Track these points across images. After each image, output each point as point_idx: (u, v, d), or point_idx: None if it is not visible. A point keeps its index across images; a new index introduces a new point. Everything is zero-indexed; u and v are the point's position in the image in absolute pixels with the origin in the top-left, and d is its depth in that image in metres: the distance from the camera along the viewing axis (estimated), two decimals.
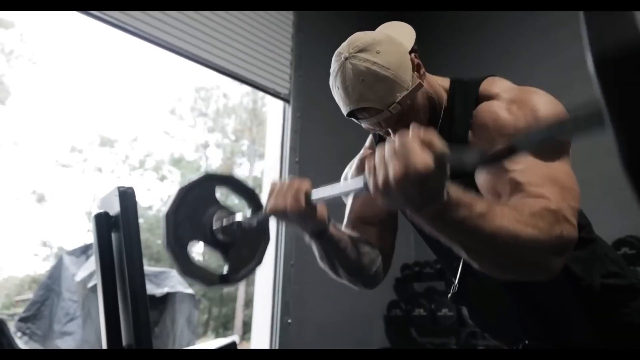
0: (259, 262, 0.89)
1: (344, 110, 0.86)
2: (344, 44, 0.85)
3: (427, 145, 0.54)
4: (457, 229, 0.59)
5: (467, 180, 0.86)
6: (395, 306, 2.99)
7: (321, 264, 0.94)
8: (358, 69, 0.80)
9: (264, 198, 0.85)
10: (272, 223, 0.86)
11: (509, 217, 0.60)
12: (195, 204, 0.82)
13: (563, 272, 0.68)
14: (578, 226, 0.69)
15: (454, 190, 0.58)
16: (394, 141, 0.56)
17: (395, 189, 0.53)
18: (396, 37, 0.85)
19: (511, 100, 0.81)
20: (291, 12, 3.08)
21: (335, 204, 1.17)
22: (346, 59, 0.82)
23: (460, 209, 0.58)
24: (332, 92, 0.88)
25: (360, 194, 1.01)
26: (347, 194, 0.68)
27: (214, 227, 0.80)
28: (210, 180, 0.85)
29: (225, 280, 0.82)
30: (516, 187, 0.71)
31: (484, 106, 0.84)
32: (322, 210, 0.81)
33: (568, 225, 0.65)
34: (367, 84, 0.80)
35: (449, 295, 0.90)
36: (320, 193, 0.74)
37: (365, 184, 0.58)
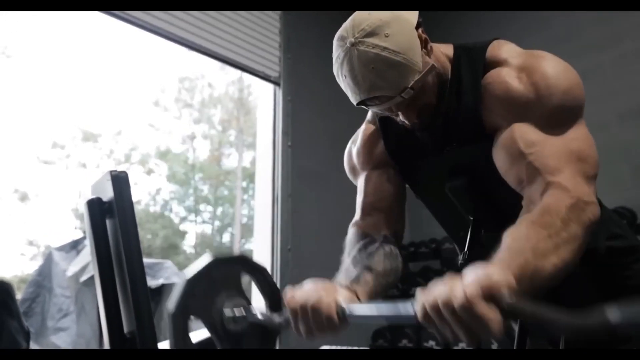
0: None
1: (354, 100, 0.81)
2: (346, 27, 0.79)
3: (493, 300, 0.49)
4: (532, 289, 0.59)
5: (474, 147, 0.85)
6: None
7: None
8: (367, 56, 0.74)
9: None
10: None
11: (551, 246, 0.63)
12: (203, 295, 0.73)
13: None
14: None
15: (506, 281, 0.53)
16: (449, 294, 0.51)
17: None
18: (401, 12, 0.79)
19: (521, 68, 0.79)
20: None
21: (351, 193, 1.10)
22: (352, 44, 0.76)
23: (522, 284, 0.56)
24: (338, 80, 0.82)
25: None
26: (391, 318, 0.63)
27: (226, 315, 0.72)
28: (219, 265, 0.76)
29: None
30: (534, 175, 0.72)
31: (494, 75, 0.81)
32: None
33: (590, 207, 0.69)
34: (378, 71, 0.75)
35: (459, 263, 0.89)
36: (357, 310, 0.65)
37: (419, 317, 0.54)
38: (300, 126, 2.92)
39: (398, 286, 2.99)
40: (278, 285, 2.91)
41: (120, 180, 0.88)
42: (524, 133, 0.76)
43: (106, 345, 0.88)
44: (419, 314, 0.54)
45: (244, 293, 0.78)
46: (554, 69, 0.77)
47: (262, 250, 2.75)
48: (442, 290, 0.52)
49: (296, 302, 0.69)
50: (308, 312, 0.67)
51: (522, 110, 0.77)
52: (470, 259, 0.88)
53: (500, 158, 0.79)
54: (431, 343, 2.70)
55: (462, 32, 3.18)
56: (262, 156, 2.93)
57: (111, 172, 0.89)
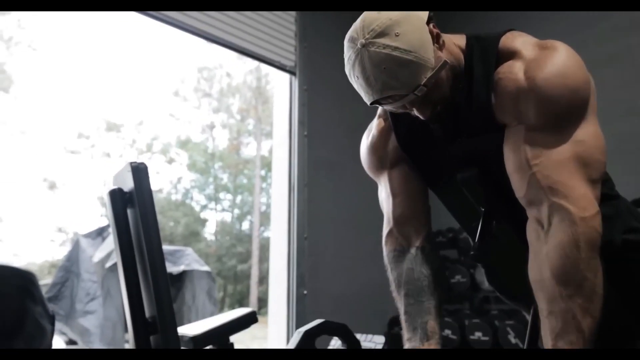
0: None
1: (367, 100, 0.82)
2: (356, 27, 0.79)
3: None
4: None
5: (485, 139, 0.85)
6: None
7: None
8: (379, 56, 0.75)
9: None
10: None
11: (587, 306, 0.70)
12: None
13: None
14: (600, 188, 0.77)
15: None
16: None
17: None
18: (411, 11, 0.79)
19: (532, 61, 0.79)
20: None
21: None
22: (363, 45, 0.76)
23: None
24: (350, 81, 0.83)
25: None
26: None
27: None
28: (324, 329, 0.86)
29: None
30: (538, 195, 0.76)
31: (506, 69, 0.81)
32: None
33: (591, 219, 0.73)
34: (390, 71, 0.75)
35: (471, 253, 0.90)
36: None
37: None
38: (316, 115, 2.92)
39: None
40: (295, 273, 2.96)
41: (139, 172, 0.91)
42: (531, 140, 0.77)
43: (129, 328, 0.92)
44: None
45: None
46: (564, 65, 0.76)
47: (279, 238, 2.79)
48: None
49: None
50: None
51: (530, 109, 0.77)
52: (481, 250, 0.89)
53: (507, 158, 0.81)
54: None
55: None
56: (278, 145, 2.95)
57: (131, 163, 0.92)
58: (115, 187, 0.98)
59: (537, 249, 0.76)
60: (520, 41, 0.83)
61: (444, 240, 2.98)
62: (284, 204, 2.79)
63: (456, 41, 0.88)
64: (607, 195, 0.85)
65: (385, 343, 1.62)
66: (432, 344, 0.86)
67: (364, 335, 1.70)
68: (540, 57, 0.78)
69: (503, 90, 0.80)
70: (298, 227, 2.69)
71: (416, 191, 0.99)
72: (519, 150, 0.78)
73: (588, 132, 0.76)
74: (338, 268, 2.76)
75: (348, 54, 0.80)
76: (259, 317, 0.98)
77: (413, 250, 0.96)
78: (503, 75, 0.81)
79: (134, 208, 0.92)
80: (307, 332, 0.83)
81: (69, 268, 3.25)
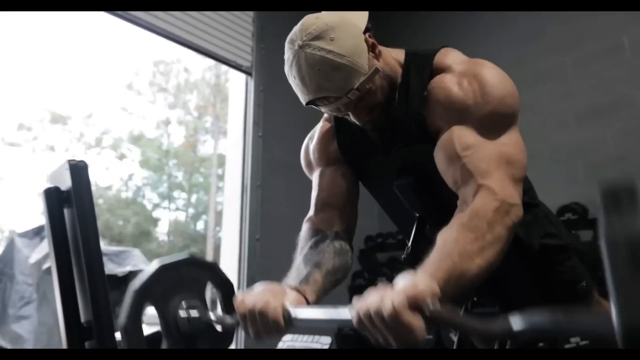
0: None
1: (303, 100, 0.85)
2: (295, 30, 0.83)
3: (417, 309, 0.55)
4: (458, 289, 0.65)
5: (419, 148, 0.90)
6: (359, 276, 3.08)
7: None
8: (313, 58, 0.78)
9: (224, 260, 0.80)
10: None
11: (477, 248, 0.68)
12: (166, 286, 0.76)
13: None
14: (522, 191, 0.79)
15: (430, 287, 0.59)
16: (380, 304, 0.57)
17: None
18: (349, 16, 0.83)
19: (462, 74, 0.85)
20: None
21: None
22: (300, 47, 0.79)
23: (449, 286, 0.63)
24: (289, 81, 0.86)
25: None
26: (331, 322, 0.67)
27: (180, 315, 0.75)
28: (191, 265, 0.80)
29: None
30: (467, 177, 0.78)
31: (437, 81, 0.87)
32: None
33: (514, 209, 0.75)
34: (324, 73, 0.78)
35: (403, 257, 0.94)
36: (301, 314, 0.69)
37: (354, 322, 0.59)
38: (272, 117, 2.92)
39: (365, 276, 3.06)
40: (245, 274, 2.93)
41: (78, 170, 0.88)
42: (461, 136, 0.81)
43: (62, 334, 0.89)
44: (354, 320, 0.59)
45: (204, 299, 0.80)
46: (492, 77, 0.82)
47: (230, 239, 2.76)
48: (374, 299, 0.58)
49: (245, 306, 0.72)
50: (256, 316, 0.71)
51: (460, 114, 0.82)
52: (415, 252, 0.94)
53: (439, 158, 0.85)
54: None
55: (428, 32, 3.24)
56: (233, 146, 2.92)
57: (69, 161, 0.89)
58: (51, 185, 0.94)
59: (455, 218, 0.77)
60: (452, 57, 0.89)
61: (394, 242, 3.08)
62: (236, 205, 2.76)
63: (395, 55, 0.93)
64: (528, 204, 0.93)
65: (332, 344, 1.65)
66: (307, 291, 0.80)
67: (311, 337, 1.73)
68: (470, 70, 0.84)
69: (435, 99, 0.86)
70: (250, 228, 2.68)
71: (344, 189, 1.01)
72: (449, 145, 0.82)
73: (512, 138, 0.82)
74: (289, 270, 2.77)
75: (287, 54, 0.83)
76: None
77: (329, 233, 0.95)
78: (435, 86, 0.86)
79: (71, 208, 0.89)
80: (194, 260, 0.79)
81: (2, 269, 3.03)
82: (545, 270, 0.95)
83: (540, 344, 1.01)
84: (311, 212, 1.02)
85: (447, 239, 0.70)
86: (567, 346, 1.54)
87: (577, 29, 2.67)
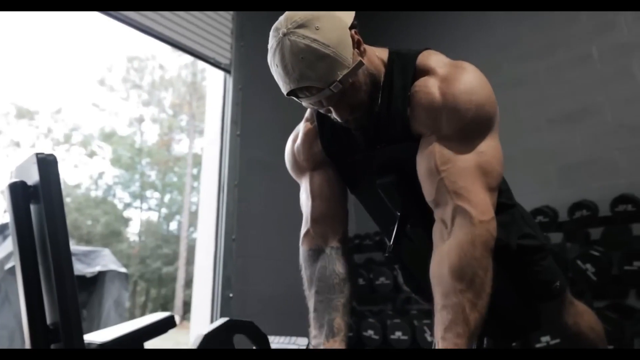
0: None
1: (284, 90, 0.84)
2: (281, 19, 0.82)
3: None
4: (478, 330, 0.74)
5: (402, 147, 0.90)
6: None
7: None
8: (297, 46, 0.77)
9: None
10: None
11: (473, 297, 0.75)
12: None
13: None
14: (499, 191, 0.84)
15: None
16: None
17: None
18: (336, 12, 0.82)
19: (444, 78, 0.86)
20: None
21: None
22: (284, 34, 0.78)
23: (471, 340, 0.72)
24: (272, 70, 0.84)
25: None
26: None
27: None
28: (230, 329, 0.84)
29: None
30: (445, 197, 0.83)
31: (421, 84, 0.88)
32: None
33: (490, 225, 0.80)
34: (307, 62, 0.77)
35: (385, 255, 0.95)
36: None
37: None
38: (250, 115, 2.89)
39: None
40: (220, 274, 2.88)
41: (47, 164, 0.84)
42: (441, 149, 0.84)
43: (26, 336, 0.84)
44: None
45: None
46: (472, 84, 0.84)
47: (206, 239, 2.70)
48: None
49: None
50: None
51: (441, 122, 0.84)
52: (396, 251, 0.94)
53: (420, 167, 0.87)
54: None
55: (411, 32, 3.28)
56: (210, 144, 2.87)
57: (37, 154, 0.84)
58: (17, 179, 0.89)
59: (440, 246, 0.82)
60: (434, 59, 0.90)
61: (370, 244, 3.09)
62: (212, 204, 2.72)
63: (379, 53, 0.93)
64: (505, 205, 0.95)
65: (309, 345, 1.64)
66: (337, 342, 0.87)
67: (288, 338, 1.71)
68: (451, 75, 0.85)
69: (418, 103, 0.87)
70: (226, 228, 2.64)
71: (335, 194, 1.02)
72: (430, 158, 0.85)
73: (489, 145, 0.85)
74: (266, 270, 2.74)
75: (271, 42, 0.82)
76: (185, 323, 0.95)
77: (328, 250, 0.98)
78: (419, 89, 0.87)
79: (38, 204, 0.85)
80: (208, 335, 0.81)
81: None
82: (522, 270, 0.97)
83: (514, 344, 1.03)
84: (307, 224, 1.02)
85: (444, 292, 0.77)
86: (538, 345, 1.58)
87: (550, 37, 2.76)
